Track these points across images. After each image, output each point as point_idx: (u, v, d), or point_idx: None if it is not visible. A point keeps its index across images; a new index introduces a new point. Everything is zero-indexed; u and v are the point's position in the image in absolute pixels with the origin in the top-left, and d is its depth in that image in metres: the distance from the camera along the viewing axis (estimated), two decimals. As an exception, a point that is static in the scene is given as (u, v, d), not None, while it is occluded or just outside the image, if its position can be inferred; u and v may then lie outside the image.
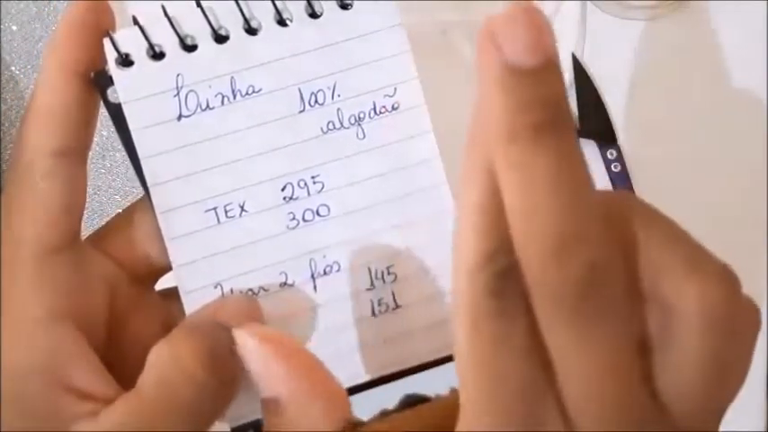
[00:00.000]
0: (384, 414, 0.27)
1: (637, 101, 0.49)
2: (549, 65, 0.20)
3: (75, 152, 0.30)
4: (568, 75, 0.49)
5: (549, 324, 0.21)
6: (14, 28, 0.49)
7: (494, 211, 0.21)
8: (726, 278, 0.22)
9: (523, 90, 0.20)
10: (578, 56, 0.49)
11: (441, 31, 0.48)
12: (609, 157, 0.48)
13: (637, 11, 0.50)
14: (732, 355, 0.22)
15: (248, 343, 0.27)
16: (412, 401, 0.28)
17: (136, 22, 0.30)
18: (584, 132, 0.48)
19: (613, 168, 0.48)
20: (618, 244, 0.22)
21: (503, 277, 0.21)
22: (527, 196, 0.20)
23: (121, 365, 0.30)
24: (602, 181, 0.48)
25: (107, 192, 0.51)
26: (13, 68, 0.50)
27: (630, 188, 0.47)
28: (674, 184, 0.47)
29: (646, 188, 0.47)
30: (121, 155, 0.53)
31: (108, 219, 0.33)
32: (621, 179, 0.47)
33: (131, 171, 0.31)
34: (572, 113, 0.21)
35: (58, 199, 0.29)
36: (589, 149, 0.48)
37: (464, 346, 0.22)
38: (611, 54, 0.49)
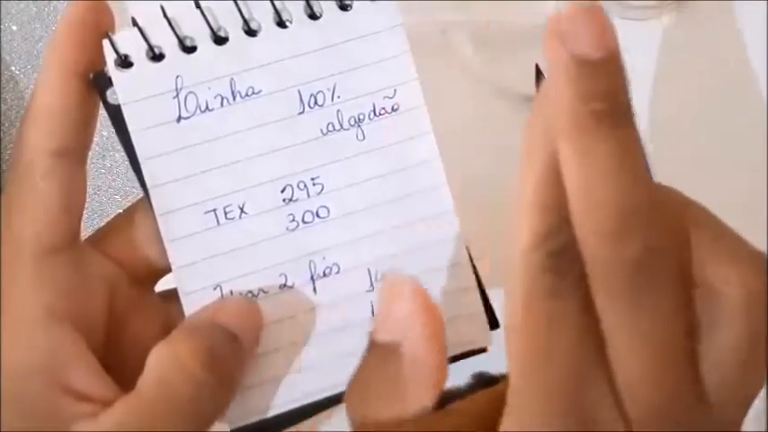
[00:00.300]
0: (452, 393, 0.27)
1: (636, 100, 0.49)
2: (612, 59, 0.21)
3: (75, 152, 0.30)
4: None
5: (604, 302, 0.22)
6: (14, 28, 0.49)
7: (553, 190, 0.22)
8: (761, 265, 0.23)
9: (587, 81, 0.21)
10: (578, 56, 0.49)
11: (441, 31, 0.48)
12: (609, 156, 0.47)
13: (637, 11, 0.50)
14: None
15: (405, 288, 0.27)
16: (484, 380, 0.28)
17: (135, 23, 0.30)
18: (585, 132, 0.48)
19: (613, 168, 0.47)
20: (672, 232, 0.23)
21: (559, 256, 0.22)
22: (588, 177, 0.21)
23: (120, 367, 0.30)
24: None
25: (107, 192, 0.51)
26: (13, 68, 0.50)
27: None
28: (673, 184, 0.47)
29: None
30: (121, 155, 0.53)
31: (108, 219, 0.33)
32: (621, 179, 0.47)
33: (131, 171, 0.31)
34: (632, 108, 0.23)
35: (57, 199, 0.29)
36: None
37: (517, 323, 0.22)
38: (611, 54, 0.49)
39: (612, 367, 0.22)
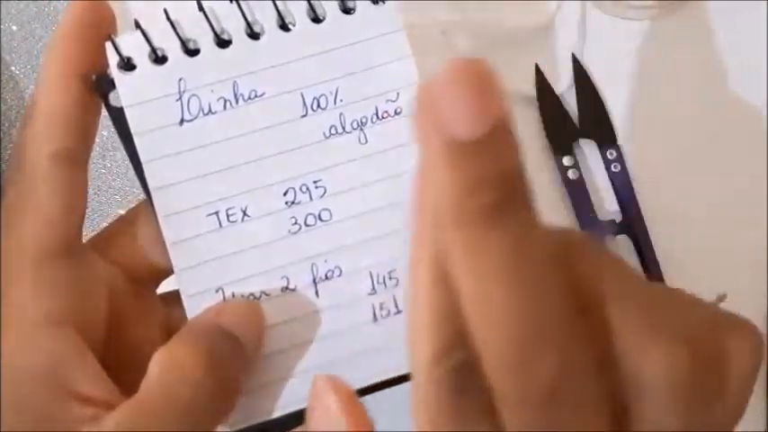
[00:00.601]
0: None
1: (637, 101, 0.49)
2: (498, 132, 0.17)
3: (76, 154, 0.30)
4: (569, 75, 0.49)
5: (516, 428, 0.19)
6: (14, 28, 0.49)
7: (447, 293, 0.19)
8: (690, 340, 0.20)
9: (470, 166, 0.17)
10: (578, 56, 0.49)
11: (441, 31, 0.48)
12: (609, 157, 0.48)
13: (637, 11, 0.50)
14: (709, 419, 0.21)
15: (332, 405, 0.25)
16: None
17: (138, 25, 0.30)
18: (584, 132, 0.48)
19: (613, 168, 0.47)
20: (586, 321, 0.20)
21: (462, 371, 0.19)
22: (479, 285, 0.18)
23: (121, 369, 0.30)
24: (602, 181, 0.48)
25: (107, 192, 0.51)
26: (13, 68, 0.50)
27: (631, 188, 0.47)
28: (674, 184, 0.47)
29: (646, 188, 0.47)
30: (121, 155, 0.53)
31: (108, 219, 0.33)
32: (621, 179, 0.47)
33: (132, 171, 0.31)
34: (526, 183, 0.18)
35: (57, 201, 0.29)
36: (589, 149, 0.48)
37: None
38: (611, 54, 0.49)
39: None
